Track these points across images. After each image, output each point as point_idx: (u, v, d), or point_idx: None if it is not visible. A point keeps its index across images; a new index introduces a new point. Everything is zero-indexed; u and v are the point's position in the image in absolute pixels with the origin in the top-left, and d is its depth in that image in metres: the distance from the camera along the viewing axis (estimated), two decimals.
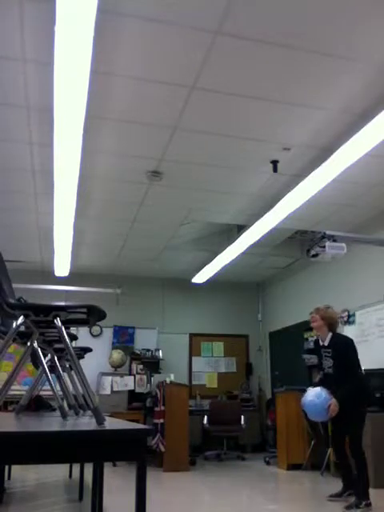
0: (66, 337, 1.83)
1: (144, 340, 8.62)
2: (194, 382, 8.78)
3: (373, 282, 6.08)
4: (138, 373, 8.23)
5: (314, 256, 4.52)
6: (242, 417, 7.40)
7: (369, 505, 4.02)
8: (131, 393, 7.95)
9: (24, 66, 3.36)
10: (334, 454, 4.38)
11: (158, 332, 8.76)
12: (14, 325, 1.86)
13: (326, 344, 4.38)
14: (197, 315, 9.07)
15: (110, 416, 4.33)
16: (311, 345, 7.26)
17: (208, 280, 8.23)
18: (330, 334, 4.37)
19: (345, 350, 4.29)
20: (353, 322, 6.49)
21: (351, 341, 4.40)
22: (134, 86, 3.60)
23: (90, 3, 2.53)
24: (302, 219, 6.01)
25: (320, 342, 4.46)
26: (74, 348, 1.93)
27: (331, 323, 4.38)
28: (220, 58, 3.31)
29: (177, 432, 6.19)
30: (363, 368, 5.77)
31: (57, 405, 2.65)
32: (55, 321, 1.83)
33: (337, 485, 4.30)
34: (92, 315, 1.93)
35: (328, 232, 4.44)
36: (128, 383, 8.00)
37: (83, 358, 3.33)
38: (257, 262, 8.12)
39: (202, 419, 7.44)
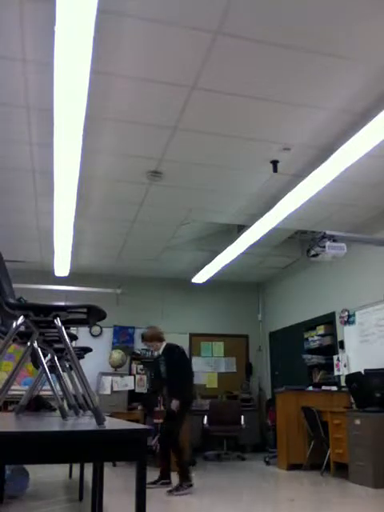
0: (66, 337, 1.83)
1: None
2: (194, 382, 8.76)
3: (373, 282, 6.08)
4: (137, 373, 8.24)
5: (313, 256, 4.50)
6: (242, 417, 7.39)
7: (190, 486, 4.73)
8: (131, 393, 7.95)
9: (24, 66, 3.37)
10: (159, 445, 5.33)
11: None
12: (14, 325, 1.86)
13: (160, 353, 5.22)
14: (197, 315, 9.07)
15: (110, 416, 4.33)
16: (315, 345, 7.40)
17: (208, 280, 8.23)
18: (163, 344, 5.18)
19: (171, 356, 5.11)
20: (353, 322, 6.49)
21: (175, 348, 5.18)
22: (134, 85, 3.60)
23: (90, 3, 2.53)
24: (301, 219, 6.01)
25: (156, 353, 5.41)
26: (74, 348, 1.93)
27: (154, 338, 5.21)
28: (220, 58, 3.31)
29: None
30: (363, 368, 5.82)
31: (57, 405, 2.65)
32: (55, 321, 1.83)
33: (337, 485, 4.30)
34: (92, 315, 1.93)
35: (328, 232, 4.43)
36: (128, 383, 8.00)
37: (83, 357, 3.32)
38: (257, 262, 8.12)
39: (202, 419, 7.43)
